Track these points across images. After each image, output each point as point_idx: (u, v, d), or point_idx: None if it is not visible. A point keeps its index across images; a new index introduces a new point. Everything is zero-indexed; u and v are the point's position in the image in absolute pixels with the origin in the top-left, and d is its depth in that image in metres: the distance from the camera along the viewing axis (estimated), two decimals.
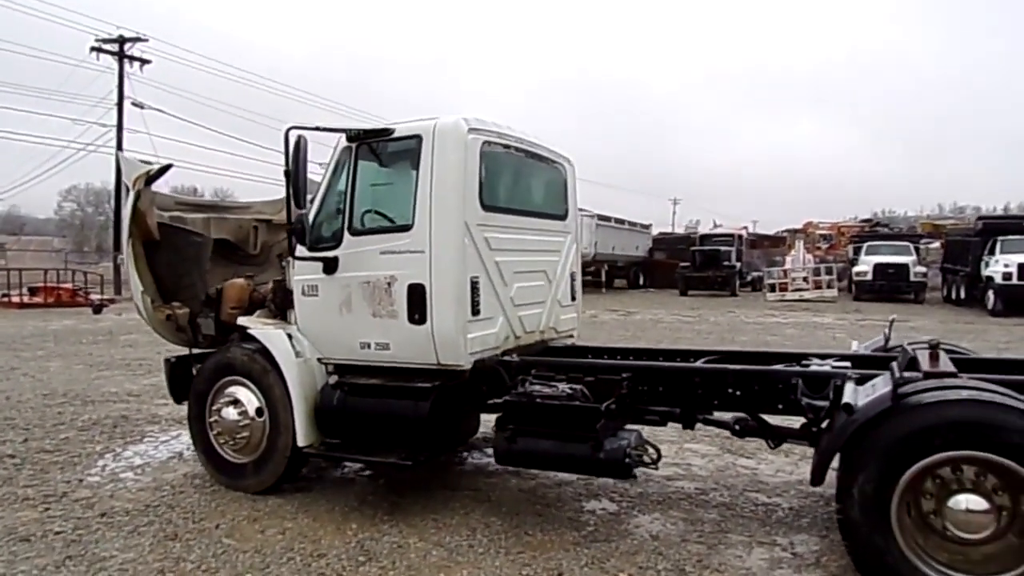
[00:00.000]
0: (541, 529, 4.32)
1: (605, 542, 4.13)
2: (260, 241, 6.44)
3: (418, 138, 4.48)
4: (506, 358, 4.74)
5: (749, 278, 31.35)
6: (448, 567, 3.82)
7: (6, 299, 22.78)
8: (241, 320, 5.16)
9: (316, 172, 4.99)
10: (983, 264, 20.60)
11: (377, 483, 5.26)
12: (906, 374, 3.47)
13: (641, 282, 34.48)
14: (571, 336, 5.92)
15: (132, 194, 5.33)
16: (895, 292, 24.39)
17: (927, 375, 3.53)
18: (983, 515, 3.09)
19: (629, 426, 4.42)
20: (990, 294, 19.67)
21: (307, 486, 5.12)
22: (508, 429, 4.26)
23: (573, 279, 5.87)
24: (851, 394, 3.44)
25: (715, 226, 43.19)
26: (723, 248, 29.87)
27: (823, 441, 3.55)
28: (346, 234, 4.65)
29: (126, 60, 29.95)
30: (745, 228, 41.43)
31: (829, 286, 26.20)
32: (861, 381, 3.68)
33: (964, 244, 22.77)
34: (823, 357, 4.53)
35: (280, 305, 5.21)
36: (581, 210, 24.40)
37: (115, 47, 29.81)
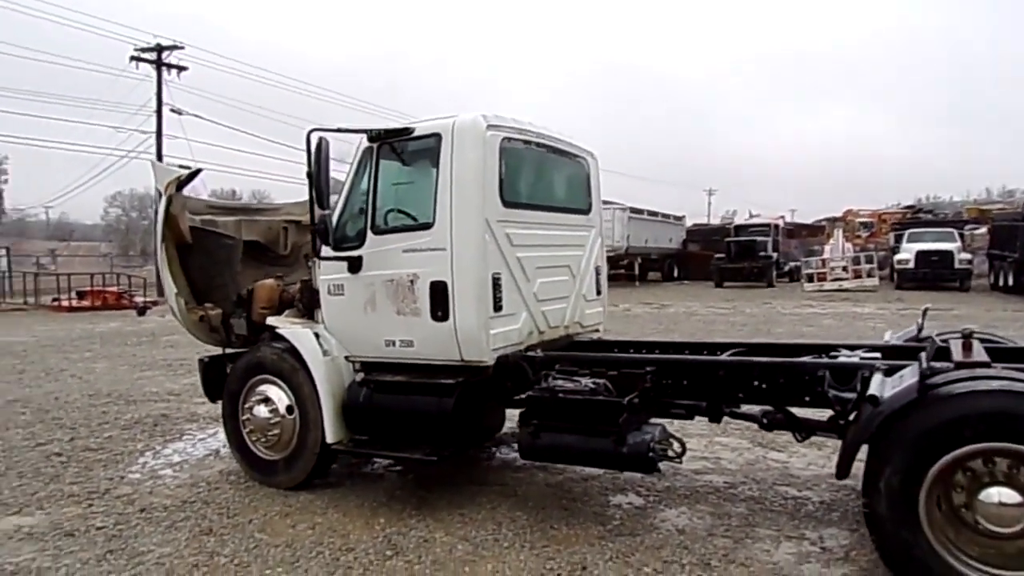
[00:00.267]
0: (567, 523, 4.33)
1: (630, 536, 4.12)
2: (290, 242, 6.56)
3: (437, 136, 4.52)
4: (530, 353, 4.75)
5: (786, 268, 30.75)
6: (473, 561, 3.86)
7: (56, 303, 23.63)
8: (270, 320, 5.28)
9: (342, 171, 5.07)
10: None
11: (405, 478, 5.33)
12: (935, 364, 3.37)
13: (675, 274, 34.12)
14: (596, 331, 5.90)
15: (164, 199, 5.49)
16: (939, 280, 23.68)
17: (959, 365, 3.44)
18: (1017, 508, 3.00)
19: (654, 420, 4.39)
20: None
21: (337, 482, 5.22)
22: (532, 424, 4.28)
23: (598, 273, 5.85)
24: (878, 385, 3.38)
25: (751, 216, 42.43)
26: (759, 238, 29.33)
27: (849, 433, 3.49)
28: (369, 233, 4.72)
29: (164, 68, 30.69)
30: (782, 217, 40.54)
31: (870, 275, 25.58)
32: (889, 372, 3.60)
33: (1012, 229, 21.98)
34: (852, 348, 4.45)
35: (308, 305, 5.31)
36: (612, 203, 24.28)
37: (153, 56, 30.57)
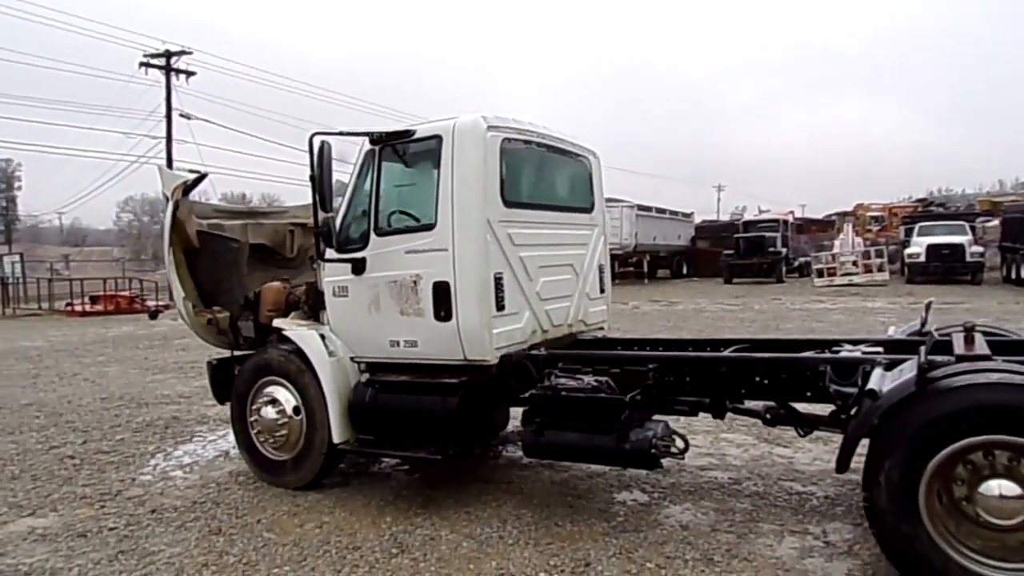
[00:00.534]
0: (571, 520, 4.36)
1: (634, 532, 4.14)
2: (296, 245, 6.63)
3: (438, 138, 4.56)
4: (533, 352, 4.79)
5: (796, 264, 30.65)
6: (478, 558, 3.90)
7: (69, 308, 23.89)
8: (276, 322, 5.34)
9: (345, 172, 5.12)
10: None
11: (412, 478, 5.38)
12: (934, 358, 3.38)
13: (685, 271, 34.09)
14: (601, 328, 5.92)
15: (171, 204, 5.56)
16: (950, 274, 23.50)
17: (960, 358, 3.44)
18: (1017, 500, 3.00)
19: (658, 417, 4.42)
20: None
21: (345, 481, 5.28)
22: (535, 422, 4.31)
23: (601, 271, 5.87)
24: (877, 379, 3.39)
25: (759, 212, 42.27)
26: (768, 234, 29.26)
27: (849, 428, 3.50)
28: (372, 235, 4.76)
29: (173, 73, 30.96)
30: (791, 212, 40.42)
31: (880, 269, 25.42)
32: (890, 366, 3.61)
33: (1022, 221, 21.80)
34: (855, 343, 4.45)
35: (313, 306, 5.37)
36: (620, 201, 24.31)
37: (162, 61, 30.84)
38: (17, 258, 30.68)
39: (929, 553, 3.09)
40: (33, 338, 16.68)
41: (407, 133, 4.70)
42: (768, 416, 4.35)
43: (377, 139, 4.76)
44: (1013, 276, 22.41)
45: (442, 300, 4.50)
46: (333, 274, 4.96)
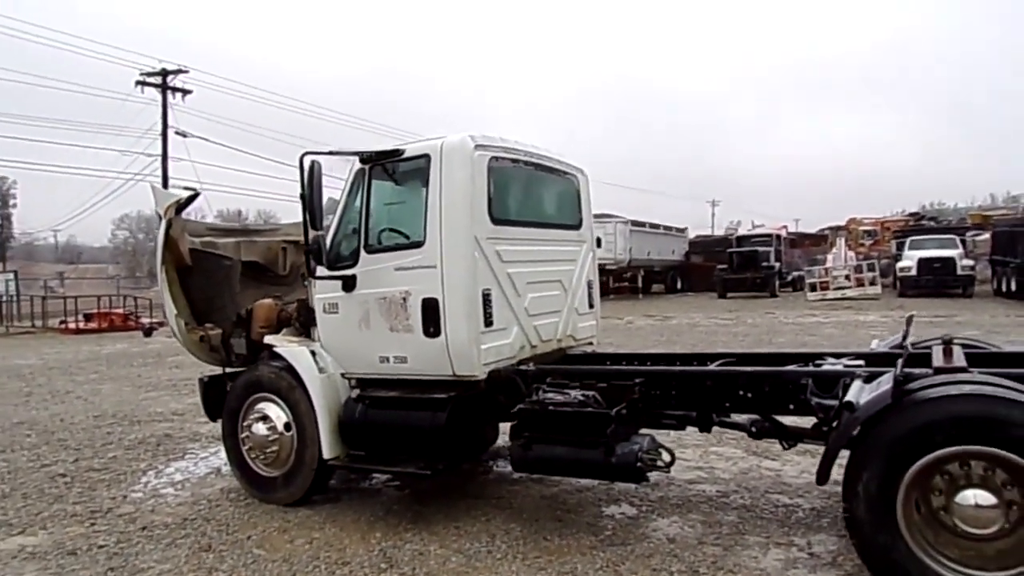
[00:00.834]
0: (559, 534, 4.39)
1: (621, 545, 4.18)
2: (289, 262, 6.69)
3: (427, 157, 4.64)
4: (522, 367, 4.84)
5: (789, 278, 30.79)
6: (467, 572, 3.93)
7: (63, 325, 23.84)
8: (267, 339, 5.38)
9: (336, 188, 5.19)
10: None
11: (402, 493, 5.40)
12: (912, 370, 3.45)
13: (679, 286, 34.19)
14: (590, 344, 5.98)
15: (163, 222, 5.63)
16: (942, 287, 23.65)
17: (937, 371, 3.52)
18: (991, 510, 3.06)
19: (644, 431, 4.47)
20: None
21: (336, 497, 5.30)
22: (523, 437, 4.36)
23: (590, 287, 5.94)
24: (856, 392, 3.46)
25: (753, 227, 42.49)
26: (761, 249, 29.40)
27: (829, 439, 3.55)
28: (362, 252, 4.83)
29: (169, 91, 31.13)
30: (784, 227, 40.64)
31: (872, 283, 25.59)
32: (869, 379, 3.68)
33: (1013, 235, 22.02)
34: (838, 356, 4.52)
35: (304, 323, 5.41)
36: (613, 216, 24.45)
37: (158, 80, 31.02)
38: (11, 276, 30.66)
39: (907, 563, 3.15)
40: (26, 356, 16.64)
41: (396, 152, 4.78)
42: (753, 429, 4.40)
43: (367, 158, 4.84)
44: (1004, 289, 22.57)
45: (431, 316, 4.56)
46: (324, 291, 5.02)
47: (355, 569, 4.03)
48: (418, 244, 4.64)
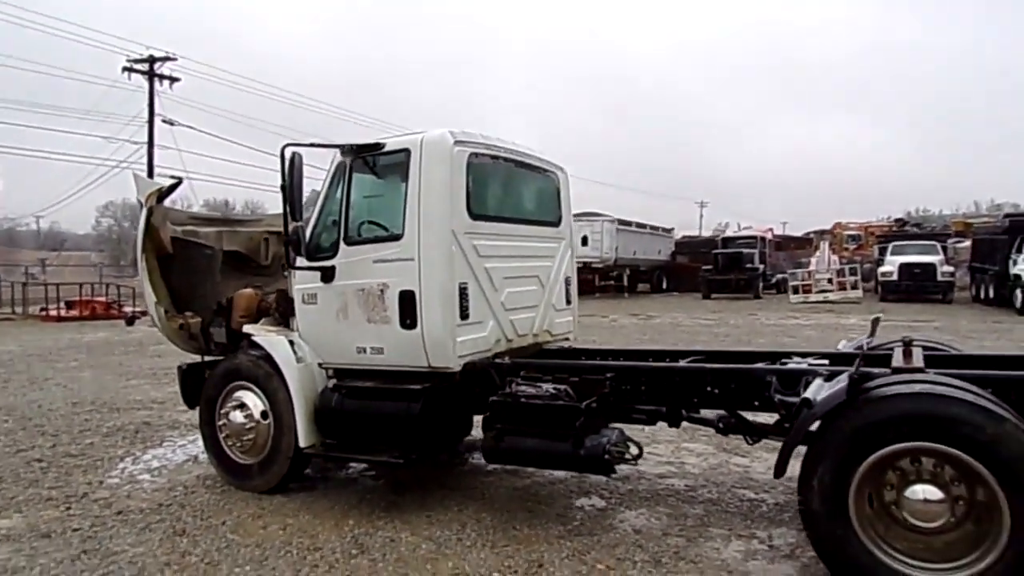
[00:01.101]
0: (529, 524, 4.49)
1: (588, 536, 4.28)
2: (271, 252, 6.72)
3: (407, 152, 4.71)
4: (497, 360, 4.92)
5: (774, 280, 31.06)
6: (435, 559, 4.01)
7: (45, 313, 23.63)
8: (246, 328, 5.43)
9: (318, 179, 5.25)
10: (1011, 262, 20.20)
11: (378, 483, 5.48)
12: (870, 369, 3.57)
13: (664, 286, 34.41)
14: (567, 339, 6.07)
15: (145, 210, 5.66)
16: (922, 292, 24.00)
17: (895, 370, 3.64)
18: (938, 504, 3.18)
19: (615, 425, 4.56)
20: (1018, 292, 19.31)
21: (311, 486, 5.37)
22: (495, 428, 4.45)
23: (568, 284, 6.03)
24: (815, 389, 3.57)
25: (739, 229, 42.81)
26: (746, 250, 29.67)
27: (788, 435, 3.67)
28: (342, 244, 4.90)
29: (156, 79, 30.91)
30: (770, 230, 40.98)
31: (854, 287, 25.90)
32: (829, 378, 3.79)
33: (992, 242, 22.38)
34: (804, 355, 4.63)
35: (283, 313, 5.47)
36: (600, 215, 24.51)
37: (145, 67, 30.78)
38: None
39: (858, 554, 3.26)
40: (6, 343, 16.50)
41: (377, 146, 4.85)
42: (721, 425, 4.51)
43: (348, 151, 4.90)
44: (982, 296, 22.95)
45: (408, 308, 4.63)
46: (303, 282, 5.07)
47: (327, 555, 4.10)
48: (396, 237, 4.71)
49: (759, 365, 4.41)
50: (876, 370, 3.63)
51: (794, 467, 3.54)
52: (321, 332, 5.06)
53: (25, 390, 9.97)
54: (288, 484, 5.19)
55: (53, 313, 23.28)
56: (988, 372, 3.82)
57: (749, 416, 4.45)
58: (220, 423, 5.35)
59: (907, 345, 4.05)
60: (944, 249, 26.22)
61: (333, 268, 4.90)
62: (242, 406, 5.23)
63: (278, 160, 4.57)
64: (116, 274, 41.57)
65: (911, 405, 3.19)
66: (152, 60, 30.76)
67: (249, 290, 5.88)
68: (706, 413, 4.58)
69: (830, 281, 26.46)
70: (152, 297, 5.83)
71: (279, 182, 4.68)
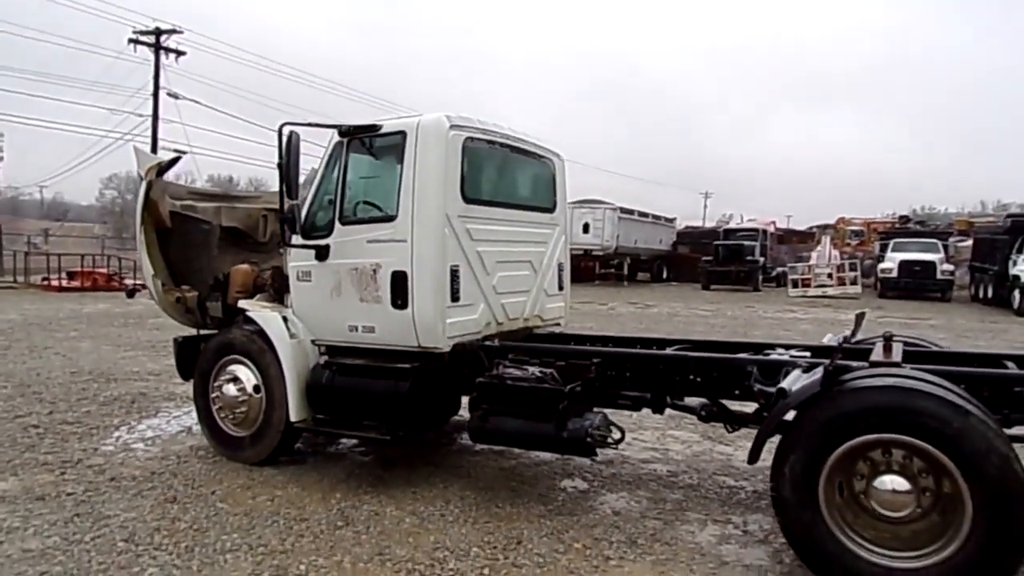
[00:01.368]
0: (511, 503, 4.60)
1: (568, 515, 4.39)
2: (269, 229, 6.77)
3: (403, 134, 4.76)
4: (486, 343, 5.01)
5: (774, 273, 31.11)
6: (417, 533, 4.12)
7: (46, 283, 23.77)
8: (241, 303, 5.52)
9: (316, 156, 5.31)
10: (1011, 263, 20.22)
11: (367, 459, 5.59)
12: (847, 362, 3.64)
13: (665, 276, 34.43)
14: (558, 324, 6.15)
15: (144, 184, 5.73)
16: (921, 290, 24.03)
17: (872, 364, 3.72)
18: (905, 495, 3.26)
19: (600, 409, 4.65)
20: (1016, 293, 19.34)
21: (301, 459, 5.48)
22: (481, 408, 4.54)
23: (561, 269, 6.10)
24: (791, 380, 3.66)
25: (742, 220, 42.76)
26: (746, 242, 29.66)
27: (763, 423, 3.76)
28: (337, 223, 4.97)
29: (162, 51, 30.81)
30: (773, 222, 40.88)
31: (853, 283, 25.90)
32: (808, 369, 3.87)
33: (992, 242, 22.37)
34: (787, 347, 4.72)
35: (278, 290, 5.55)
36: (602, 203, 24.51)
37: (151, 39, 30.69)
38: None
39: (826, 541, 3.36)
40: (6, 311, 16.64)
41: (374, 128, 4.90)
42: (703, 413, 4.59)
43: (345, 132, 4.96)
44: (981, 295, 22.98)
45: (399, 289, 4.71)
46: (298, 259, 5.15)
47: (312, 525, 4.21)
48: (390, 218, 4.77)
49: (741, 355, 4.49)
50: (853, 363, 3.70)
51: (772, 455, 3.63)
52: (314, 309, 5.14)
53: (24, 358, 10.09)
54: (278, 457, 5.30)
55: (54, 283, 23.43)
56: (962, 368, 3.91)
57: (731, 405, 4.55)
58: (213, 395, 5.46)
59: (887, 340, 4.14)
60: (945, 248, 26.21)
61: (328, 247, 4.98)
62: (235, 379, 5.33)
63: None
64: (118, 246, 41.65)
65: (880, 398, 3.27)
66: (159, 32, 30.67)
67: (245, 266, 5.95)
68: (690, 401, 4.67)
69: (829, 276, 26.47)
70: (150, 270, 5.92)
71: (276, 160, 4.74)
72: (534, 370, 4.50)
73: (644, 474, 5.25)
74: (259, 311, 5.34)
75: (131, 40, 30.44)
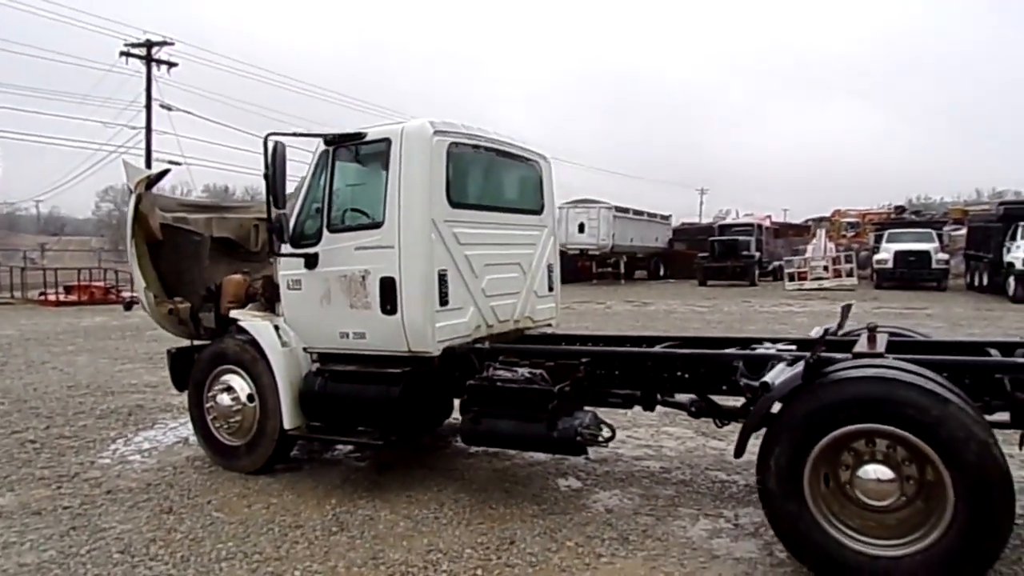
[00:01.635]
0: (505, 504, 4.63)
1: (561, 515, 4.42)
2: (261, 239, 6.83)
3: (387, 141, 4.80)
4: (477, 345, 5.05)
5: (770, 267, 31.16)
6: (411, 536, 4.16)
7: (43, 297, 23.79)
8: (233, 313, 5.55)
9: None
10: (1005, 250, 20.30)
11: (363, 464, 5.62)
12: (830, 354, 3.68)
13: (662, 273, 34.53)
14: (549, 325, 6.19)
15: (133, 197, 5.76)
16: (916, 280, 24.10)
17: (855, 355, 3.76)
18: (889, 484, 3.30)
19: (591, 408, 4.69)
20: (1011, 280, 19.41)
21: (297, 466, 5.51)
22: (472, 411, 4.58)
23: (550, 270, 6.14)
24: (775, 373, 3.69)
25: (737, 216, 42.86)
26: (742, 237, 29.73)
27: (748, 417, 3.79)
28: (325, 231, 5.00)
29: (153, 64, 30.85)
30: (768, 217, 41.02)
31: (849, 274, 25.99)
32: (793, 363, 3.91)
33: (986, 230, 22.45)
34: (774, 341, 4.75)
35: (269, 299, 5.59)
36: (597, 202, 24.57)
37: (143, 51, 30.72)
38: None
39: (812, 531, 3.39)
40: (4, 327, 16.65)
41: (359, 136, 4.94)
42: (693, 408, 4.63)
43: (331, 140, 5.00)
44: (976, 283, 23.04)
45: (388, 295, 4.75)
46: (287, 268, 5.19)
47: (307, 532, 4.25)
48: (377, 225, 4.81)
49: (727, 351, 4.53)
50: (836, 355, 3.74)
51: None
52: (305, 317, 5.18)
53: (21, 373, 10.12)
54: (274, 465, 5.33)
55: (52, 298, 23.44)
56: (943, 357, 3.94)
57: (720, 400, 4.58)
58: (208, 406, 5.49)
59: (871, 331, 4.18)
60: (940, 237, 26.27)
61: (316, 255, 5.01)
62: (229, 389, 5.37)
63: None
64: (115, 259, 41.62)
65: (861, 388, 3.31)
66: (150, 45, 30.70)
67: (238, 276, 5.99)
68: (680, 397, 4.70)
69: (825, 268, 26.56)
70: (141, 282, 5.96)
71: (262, 171, 4.78)
72: (523, 371, 4.54)
73: (637, 471, 5.29)
74: (251, 320, 5.37)
75: (123, 53, 30.49)
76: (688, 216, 52.80)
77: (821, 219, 42.00)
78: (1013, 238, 20.07)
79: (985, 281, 22.02)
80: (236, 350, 5.38)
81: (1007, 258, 19.99)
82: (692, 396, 4.64)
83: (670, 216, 38.11)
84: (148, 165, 27.45)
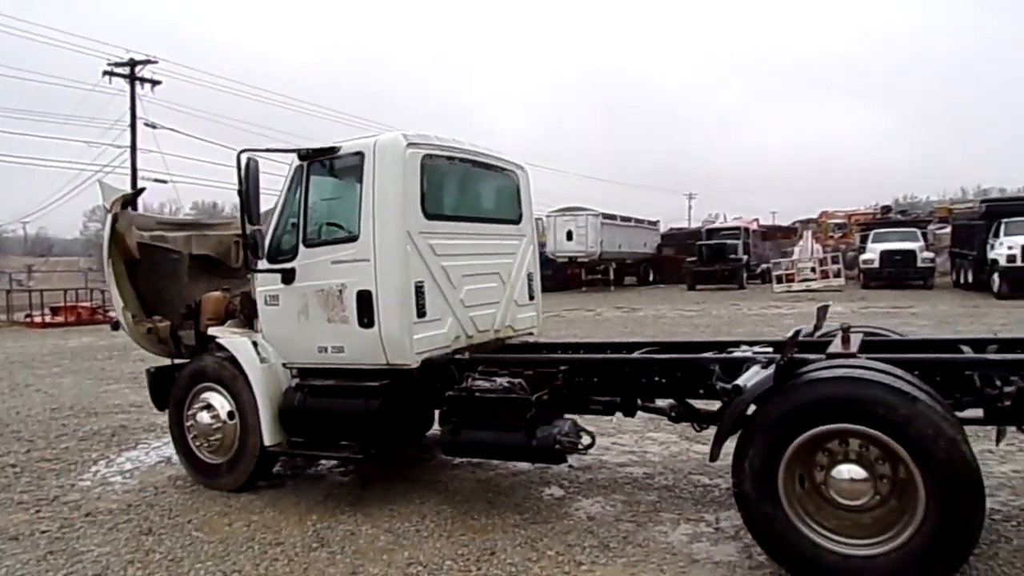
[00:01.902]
0: (487, 514, 4.62)
1: (543, 523, 4.41)
2: (241, 256, 6.81)
3: (360, 155, 4.81)
4: (456, 356, 5.04)
5: (758, 270, 31.29)
6: (392, 550, 4.14)
7: (29, 319, 23.61)
8: (211, 330, 5.53)
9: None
10: (988, 247, 20.48)
11: (346, 479, 5.59)
12: (803, 356, 3.70)
13: (651, 278, 34.59)
14: (531, 334, 6.20)
15: (110, 217, 5.75)
16: (903, 279, 24.25)
17: (829, 356, 3.78)
18: (862, 483, 3.32)
19: (571, 416, 4.69)
20: (995, 277, 19.57)
21: (280, 483, 5.48)
22: (451, 422, 4.57)
23: (531, 279, 6.15)
24: (748, 376, 3.71)
25: (725, 220, 43.09)
26: (729, 241, 29.88)
27: (721, 420, 3.81)
28: (301, 246, 5.00)
29: (137, 82, 30.80)
30: (755, 220, 41.25)
31: (837, 275, 26.13)
32: (767, 365, 3.92)
33: (970, 228, 22.63)
34: (751, 344, 4.78)
35: (248, 315, 5.57)
36: (585, 209, 24.62)
37: (126, 70, 30.67)
38: None
39: (787, 532, 3.40)
40: None
41: (332, 150, 4.95)
42: (672, 413, 4.64)
43: (305, 155, 5.00)
44: (962, 281, 23.20)
45: (365, 308, 4.74)
46: (264, 284, 5.18)
47: (287, 549, 4.22)
48: (353, 238, 4.81)
49: (703, 355, 4.55)
50: (809, 356, 3.76)
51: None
52: (283, 333, 5.16)
53: (4, 397, 10.04)
54: (256, 482, 5.30)
55: (38, 319, 23.28)
56: (914, 355, 3.98)
57: (698, 404, 4.59)
58: (188, 424, 5.46)
59: (845, 332, 4.21)
60: (925, 236, 26.48)
61: (293, 270, 5.01)
62: (209, 407, 5.34)
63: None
64: (102, 279, 41.38)
65: (831, 389, 3.33)
66: (133, 63, 30.66)
67: (217, 293, 5.97)
68: (660, 403, 4.71)
69: (813, 270, 26.71)
70: (120, 302, 5.93)
71: (236, 187, 4.78)
72: (502, 381, 4.54)
73: (620, 477, 5.28)
74: (229, 337, 5.35)
75: (106, 72, 30.44)
76: (677, 221, 53.06)
77: (808, 221, 42.28)
78: (996, 235, 20.23)
79: (970, 278, 22.17)
80: (215, 367, 5.36)
81: (991, 255, 20.16)
82: (671, 401, 4.65)
83: (658, 222, 38.29)
84: (134, 184, 27.33)
